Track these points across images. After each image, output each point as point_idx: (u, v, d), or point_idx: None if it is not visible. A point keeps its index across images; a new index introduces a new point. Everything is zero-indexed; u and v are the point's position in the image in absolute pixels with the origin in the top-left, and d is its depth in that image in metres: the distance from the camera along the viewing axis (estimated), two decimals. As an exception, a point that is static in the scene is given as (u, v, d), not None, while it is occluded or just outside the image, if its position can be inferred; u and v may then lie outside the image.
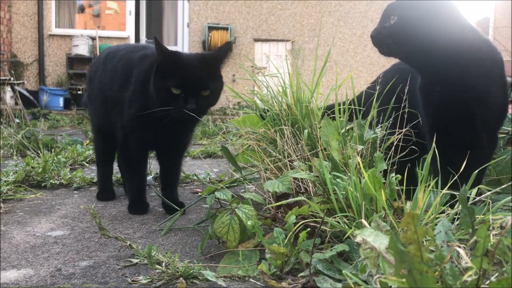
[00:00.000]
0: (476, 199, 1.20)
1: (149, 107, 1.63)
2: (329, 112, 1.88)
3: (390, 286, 0.76)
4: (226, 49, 1.65)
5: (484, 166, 1.38)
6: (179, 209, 1.64)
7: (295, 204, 1.36)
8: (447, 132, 1.40)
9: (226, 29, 8.88)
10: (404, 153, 1.55)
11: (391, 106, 1.65)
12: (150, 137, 1.74)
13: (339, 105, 1.76)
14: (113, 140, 1.95)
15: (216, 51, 1.64)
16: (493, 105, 1.40)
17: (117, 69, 1.83)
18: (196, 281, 1.10)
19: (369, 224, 1.08)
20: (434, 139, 1.30)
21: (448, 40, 1.34)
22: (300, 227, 1.21)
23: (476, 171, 1.21)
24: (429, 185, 1.19)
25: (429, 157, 1.23)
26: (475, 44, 1.37)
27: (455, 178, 1.23)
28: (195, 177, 2.48)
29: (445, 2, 1.37)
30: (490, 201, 1.19)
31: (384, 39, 1.41)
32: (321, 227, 1.18)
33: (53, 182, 2.25)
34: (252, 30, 9.27)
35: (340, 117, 1.73)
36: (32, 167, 2.30)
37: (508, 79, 1.72)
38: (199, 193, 2.07)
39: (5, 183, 2.04)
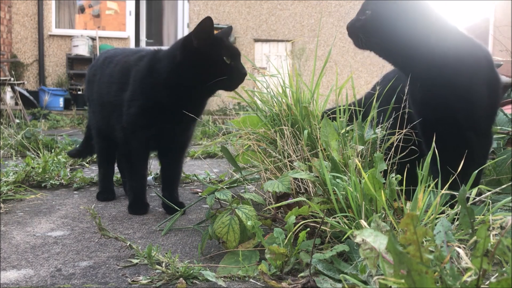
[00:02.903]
0: (476, 199, 1.20)
1: (154, 101, 1.67)
2: (329, 112, 1.88)
3: (390, 287, 0.76)
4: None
5: (482, 166, 1.38)
6: (179, 209, 1.64)
7: (295, 205, 1.36)
8: (435, 130, 1.40)
9: (226, 29, 8.87)
10: (404, 153, 1.55)
11: (391, 107, 1.65)
12: (152, 135, 1.75)
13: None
14: (113, 141, 1.96)
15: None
16: (476, 102, 1.39)
17: (113, 74, 1.85)
18: (196, 281, 1.10)
19: (369, 224, 1.09)
20: (428, 138, 1.30)
21: (421, 37, 1.37)
22: (300, 227, 1.21)
23: (476, 171, 1.21)
24: (429, 185, 1.19)
25: (428, 157, 1.23)
26: (453, 42, 1.38)
27: (453, 177, 1.23)
28: (195, 178, 2.48)
29: (419, 2, 1.39)
30: (490, 201, 1.19)
31: (356, 31, 1.46)
32: (321, 227, 1.19)
33: (53, 182, 2.25)
34: (252, 31, 9.28)
35: (340, 118, 1.74)
36: (32, 167, 2.30)
37: (508, 79, 1.71)
38: (199, 194, 2.07)
39: (5, 183, 2.04)
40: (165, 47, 1.80)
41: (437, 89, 1.38)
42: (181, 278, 1.07)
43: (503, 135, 1.87)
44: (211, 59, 1.60)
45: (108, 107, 1.86)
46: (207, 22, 1.57)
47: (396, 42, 1.40)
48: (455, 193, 1.11)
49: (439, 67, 1.37)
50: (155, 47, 1.84)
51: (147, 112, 1.68)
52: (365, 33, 1.43)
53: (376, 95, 1.67)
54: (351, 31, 1.48)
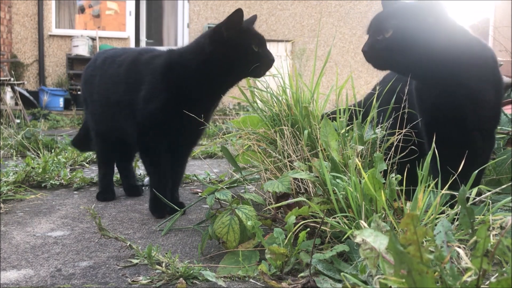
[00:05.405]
0: (476, 200, 1.20)
1: (177, 96, 1.67)
2: (329, 112, 1.88)
3: (390, 287, 0.76)
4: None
5: (483, 166, 1.38)
6: (179, 209, 1.64)
7: (295, 205, 1.36)
8: (441, 131, 1.40)
9: (226, 29, 8.86)
10: (404, 153, 1.55)
11: (391, 107, 1.65)
12: (171, 130, 1.72)
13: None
14: (115, 142, 1.96)
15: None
16: (485, 103, 1.40)
17: (119, 74, 1.83)
18: (196, 282, 1.10)
19: (369, 224, 1.09)
20: (431, 138, 1.30)
21: (441, 43, 1.34)
22: (300, 227, 1.21)
23: (476, 171, 1.21)
24: (429, 185, 1.19)
25: (428, 157, 1.23)
26: (466, 44, 1.38)
27: (454, 178, 1.23)
28: (195, 178, 2.48)
29: (435, 7, 1.36)
30: (490, 202, 1.19)
31: (378, 53, 1.38)
32: (321, 227, 1.19)
33: (53, 182, 2.25)
34: (252, 31, 9.26)
35: (340, 118, 1.74)
36: (32, 167, 2.30)
37: (508, 79, 1.71)
38: (199, 194, 2.07)
39: (5, 184, 2.04)
40: (166, 47, 1.80)
41: (453, 92, 1.38)
42: (181, 278, 1.07)
43: (503, 135, 1.87)
44: (241, 49, 1.63)
45: (115, 108, 1.85)
46: (238, 14, 1.60)
47: (421, 55, 1.34)
48: (455, 193, 1.11)
49: (455, 71, 1.36)
50: (159, 47, 1.84)
51: (168, 107, 1.67)
52: (393, 53, 1.36)
53: (376, 95, 1.67)
54: (371, 55, 1.40)
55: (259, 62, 1.64)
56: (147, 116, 1.70)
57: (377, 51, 1.38)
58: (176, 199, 1.81)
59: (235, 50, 1.63)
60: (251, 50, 1.63)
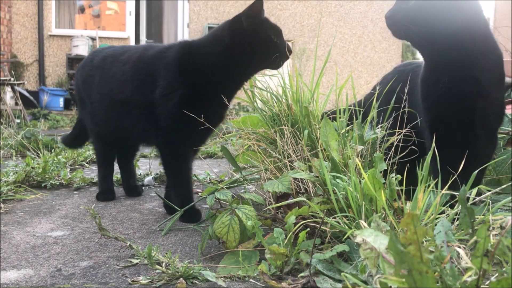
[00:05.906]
0: (476, 199, 1.20)
1: (197, 88, 1.63)
2: (329, 112, 1.88)
3: (390, 286, 0.76)
4: None
5: (484, 165, 1.38)
6: (179, 209, 1.64)
7: (295, 205, 1.36)
8: (446, 128, 1.39)
9: (226, 29, 8.85)
10: (404, 153, 1.55)
11: (391, 107, 1.65)
12: (194, 127, 1.64)
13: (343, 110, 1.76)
14: (116, 142, 1.95)
15: None
16: (493, 101, 1.39)
17: (125, 73, 1.78)
18: (196, 282, 1.10)
19: (369, 224, 1.09)
20: (437, 138, 1.29)
21: (461, 27, 1.33)
22: (300, 227, 1.21)
23: (476, 171, 1.21)
24: (429, 185, 1.19)
25: (429, 156, 1.23)
26: (484, 37, 1.37)
27: (454, 178, 1.23)
28: (195, 178, 2.47)
29: None
30: (490, 201, 1.19)
31: (401, 20, 1.38)
32: (321, 227, 1.19)
33: (53, 182, 2.25)
34: (252, 31, 9.26)
35: (340, 118, 1.74)
36: (32, 167, 2.30)
37: (508, 79, 1.71)
38: (199, 194, 2.07)
39: (5, 184, 2.04)
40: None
41: (463, 85, 1.36)
42: (181, 278, 1.07)
43: (503, 135, 1.87)
44: (261, 39, 1.62)
45: (120, 108, 1.80)
46: (257, 4, 1.59)
47: (440, 31, 1.33)
48: (455, 193, 1.11)
49: (469, 61, 1.35)
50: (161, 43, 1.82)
51: (188, 102, 1.61)
52: (413, 22, 1.35)
53: (376, 95, 1.67)
54: (392, 21, 1.40)
55: (278, 52, 1.63)
56: (169, 115, 1.64)
57: (399, 18, 1.38)
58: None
59: (255, 40, 1.62)
60: (270, 40, 1.62)
